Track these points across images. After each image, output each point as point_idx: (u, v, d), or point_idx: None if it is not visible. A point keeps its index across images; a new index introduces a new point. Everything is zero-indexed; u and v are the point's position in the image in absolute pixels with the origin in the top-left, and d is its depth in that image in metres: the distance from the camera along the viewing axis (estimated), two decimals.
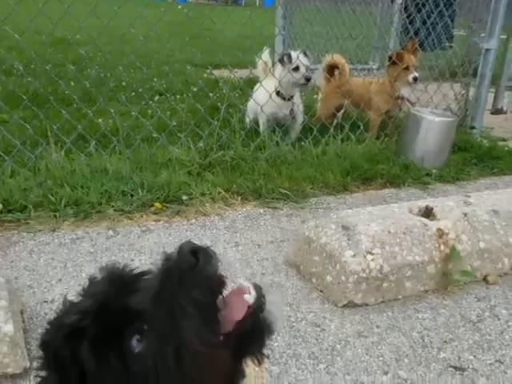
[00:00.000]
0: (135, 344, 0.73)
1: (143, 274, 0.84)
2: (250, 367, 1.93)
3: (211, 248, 0.85)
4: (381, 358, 2.07)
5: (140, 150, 3.48)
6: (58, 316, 0.80)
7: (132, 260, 2.53)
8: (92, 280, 0.85)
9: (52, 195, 2.85)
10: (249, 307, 0.80)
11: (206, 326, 0.75)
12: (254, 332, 0.81)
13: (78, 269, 2.42)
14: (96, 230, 2.75)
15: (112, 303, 0.75)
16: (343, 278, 2.36)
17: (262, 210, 3.20)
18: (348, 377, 1.96)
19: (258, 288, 0.84)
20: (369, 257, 2.39)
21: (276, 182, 3.44)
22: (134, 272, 0.85)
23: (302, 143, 4.06)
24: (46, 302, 2.18)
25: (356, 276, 2.33)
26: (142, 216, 2.92)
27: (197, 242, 2.71)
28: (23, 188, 2.87)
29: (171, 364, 0.72)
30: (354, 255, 2.38)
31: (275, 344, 2.09)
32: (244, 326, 0.79)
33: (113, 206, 2.91)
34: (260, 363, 0.86)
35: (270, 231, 2.96)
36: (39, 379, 0.78)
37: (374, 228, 2.49)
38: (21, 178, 2.96)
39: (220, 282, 0.80)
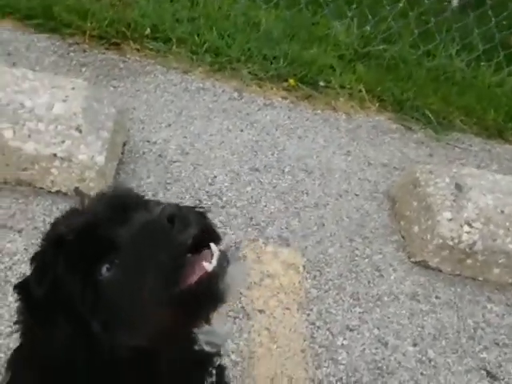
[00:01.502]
0: (104, 271, 0.80)
1: (142, 206, 0.87)
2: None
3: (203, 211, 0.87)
4: (419, 329, 2.01)
5: (301, 15, 3.27)
6: (60, 218, 0.90)
7: (241, 131, 2.57)
8: (99, 195, 0.91)
9: (198, 36, 2.88)
10: (205, 273, 0.81)
11: (162, 285, 0.79)
12: (204, 297, 0.83)
13: (190, 121, 2.53)
14: (223, 86, 2.79)
15: (99, 228, 0.81)
16: (429, 236, 2.22)
17: (394, 126, 2.98)
18: (376, 331, 1.95)
19: (222, 257, 0.83)
20: (466, 228, 2.19)
21: (426, 99, 3.12)
22: (136, 201, 0.89)
23: (482, 63, 3.54)
24: (148, 141, 2.34)
25: (441, 240, 2.18)
26: (271, 88, 2.88)
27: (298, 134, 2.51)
28: (176, 18, 2.91)
29: (125, 303, 0.79)
30: (451, 219, 2.20)
31: (327, 269, 2.11)
32: (196, 290, 0.81)
33: (248, 68, 2.89)
34: (208, 323, 0.88)
35: (389, 152, 2.79)
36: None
37: (487, 201, 2.25)
38: (178, 6, 2.99)
39: (186, 249, 0.81)
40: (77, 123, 1.93)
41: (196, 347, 0.91)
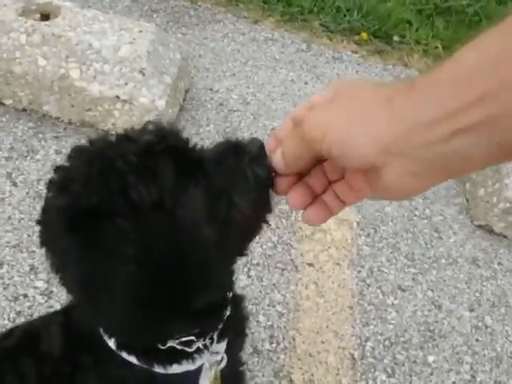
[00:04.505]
0: (190, 187, 0.78)
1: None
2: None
3: None
4: (477, 294, 1.93)
5: None
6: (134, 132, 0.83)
7: (306, 83, 2.52)
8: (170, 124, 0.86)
9: None
10: None
11: (256, 195, 0.79)
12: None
13: (255, 71, 2.50)
14: (292, 38, 2.73)
15: (181, 149, 0.79)
16: (495, 199, 2.11)
17: None
18: (430, 293, 1.89)
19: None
20: None
21: None
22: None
23: None
24: (211, 89, 2.35)
25: (508, 204, 2.07)
26: (342, 41, 2.79)
27: None
28: None
29: (216, 217, 0.77)
30: None
31: (382, 227, 2.05)
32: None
33: (320, 19, 2.80)
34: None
35: None
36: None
37: None
38: None
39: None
40: (141, 66, 1.95)
41: None
